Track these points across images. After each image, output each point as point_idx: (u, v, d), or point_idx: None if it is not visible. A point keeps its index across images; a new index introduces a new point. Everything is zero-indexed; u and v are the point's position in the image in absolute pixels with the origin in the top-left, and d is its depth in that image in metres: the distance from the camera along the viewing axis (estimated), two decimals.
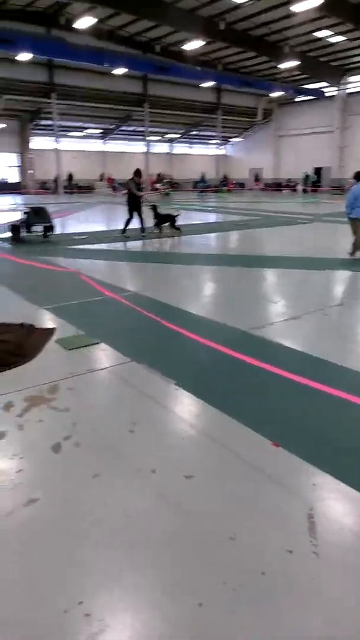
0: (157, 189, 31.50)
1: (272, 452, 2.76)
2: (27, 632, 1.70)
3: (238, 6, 21.60)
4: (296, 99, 36.30)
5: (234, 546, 2.08)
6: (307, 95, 34.48)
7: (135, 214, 11.54)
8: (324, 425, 3.08)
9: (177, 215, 12.10)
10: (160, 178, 33.53)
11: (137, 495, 2.40)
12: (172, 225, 11.98)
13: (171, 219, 12.01)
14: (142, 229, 11.65)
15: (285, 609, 1.79)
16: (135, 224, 11.63)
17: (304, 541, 2.10)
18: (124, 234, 11.55)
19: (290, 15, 21.90)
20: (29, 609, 1.79)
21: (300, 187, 34.18)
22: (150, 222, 11.95)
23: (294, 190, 34.95)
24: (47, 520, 2.24)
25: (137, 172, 11.70)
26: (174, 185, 35.58)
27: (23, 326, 4.75)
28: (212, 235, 12.88)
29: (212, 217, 18.52)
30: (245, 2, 20.71)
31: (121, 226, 11.77)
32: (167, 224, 12.04)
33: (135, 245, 10.92)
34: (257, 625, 1.73)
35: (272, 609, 1.79)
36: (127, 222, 11.65)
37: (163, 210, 12.53)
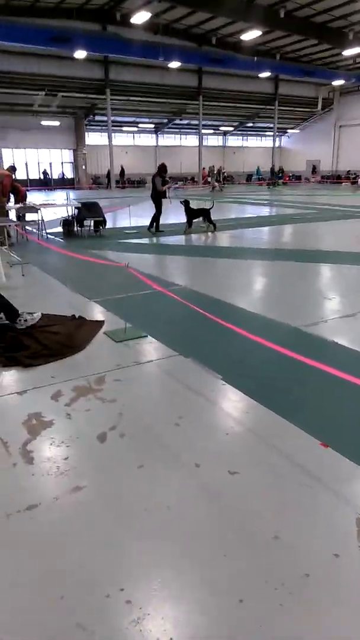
0: (208, 183, 31.34)
1: (320, 452, 2.67)
2: (72, 612, 1.74)
3: None
4: None
5: (278, 546, 2.03)
6: None
7: (158, 210, 11.32)
8: None
9: (210, 208, 11.67)
10: (210, 171, 33.30)
11: (181, 489, 2.40)
12: (208, 219, 11.57)
13: (205, 213, 11.55)
14: (151, 225, 11.41)
15: (329, 612, 1.73)
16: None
17: (351, 546, 2.02)
18: (158, 230, 11.45)
19: (355, 0, 21.07)
20: (73, 591, 1.83)
21: None
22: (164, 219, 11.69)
23: (354, 182, 33.70)
24: (91, 507, 2.28)
25: (162, 168, 11.44)
26: (227, 179, 35.17)
27: (74, 318, 4.87)
28: (265, 228, 12.66)
29: (265, 210, 18.20)
30: None
31: (170, 220, 11.72)
32: (200, 218, 11.59)
33: (185, 239, 10.91)
34: (298, 627, 1.68)
35: (315, 612, 1.73)
36: (156, 218, 11.45)
37: (206, 204, 12.30)
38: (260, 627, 1.68)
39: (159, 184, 11.22)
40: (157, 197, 11.32)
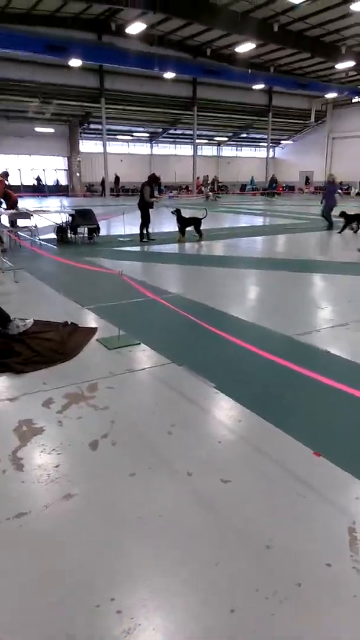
0: (202, 192, 31.49)
1: (313, 461, 2.67)
2: (62, 623, 1.71)
3: (293, 7, 21.28)
4: (353, 100, 35.38)
5: (270, 554, 2.02)
6: None
7: (145, 219, 11.27)
8: None
9: (203, 218, 11.73)
10: (205, 181, 33.46)
11: (173, 497, 2.38)
12: (197, 229, 11.60)
13: (196, 222, 11.61)
14: (142, 235, 11.38)
15: (321, 621, 1.72)
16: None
17: (344, 555, 2.01)
18: (150, 239, 11.42)
19: (348, 14, 21.42)
20: (62, 601, 1.80)
21: (354, 191, 33.19)
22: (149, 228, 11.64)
23: (347, 193, 34.01)
24: (82, 516, 2.26)
25: (153, 178, 11.44)
26: (221, 189, 35.34)
27: (66, 325, 4.85)
28: (258, 238, 12.73)
29: (258, 220, 18.30)
30: (302, 2, 20.24)
31: (165, 228, 11.71)
32: (191, 227, 11.61)
33: (178, 247, 10.94)
34: (289, 636, 1.66)
35: (307, 621, 1.72)
36: (145, 227, 11.40)
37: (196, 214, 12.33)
38: (251, 637, 1.66)
39: (147, 193, 11.19)
40: (144, 206, 11.30)
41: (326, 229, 13.87)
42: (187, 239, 11.51)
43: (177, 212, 11.49)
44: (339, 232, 13.10)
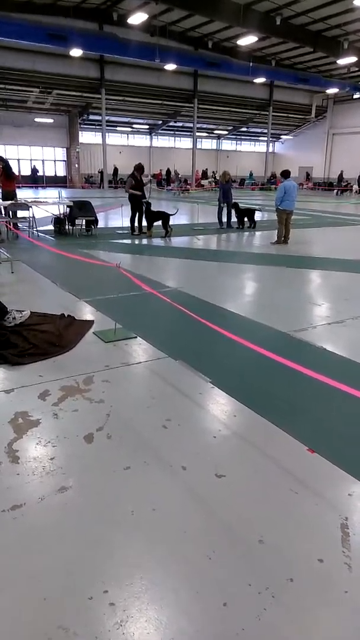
0: (202, 185, 31.39)
1: (307, 458, 2.68)
2: (54, 614, 1.72)
3: (296, 0, 21.14)
4: (354, 96, 35.24)
5: (262, 550, 2.03)
6: None
7: (134, 211, 11.19)
8: None
9: (173, 214, 11.43)
10: (204, 175, 33.34)
11: (167, 491, 2.39)
12: (164, 225, 11.26)
13: (163, 217, 11.25)
14: (132, 227, 11.32)
15: (312, 617, 1.74)
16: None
17: (336, 551, 2.03)
18: (141, 232, 11.28)
19: (351, 9, 21.29)
20: (55, 593, 1.81)
21: (355, 187, 33.11)
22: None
23: (346, 190, 33.96)
24: (76, 508, 2.26)
25: (138, 167, 11.16)
26: (216, 183, 35.21)
27: (63, 317, 4.84)
28: (257, 233, 12.70)
29: (257, 215, 18.22)
30: None
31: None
32: (159, 222, 11.34)
33: (176, 241, 10.92)
34: (281, 632, 1.68)
35: (298, 617, 1.73)
36: (133, 220, 11.32)
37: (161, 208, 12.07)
38: (243, 631, 1.68)
39: (129, 184, 11.03)
40: (131, 198, 11.14)
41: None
42: (155, 233, 11.32)
43: (147, 205, 11.12)
44: (238, 228, 13.13)
